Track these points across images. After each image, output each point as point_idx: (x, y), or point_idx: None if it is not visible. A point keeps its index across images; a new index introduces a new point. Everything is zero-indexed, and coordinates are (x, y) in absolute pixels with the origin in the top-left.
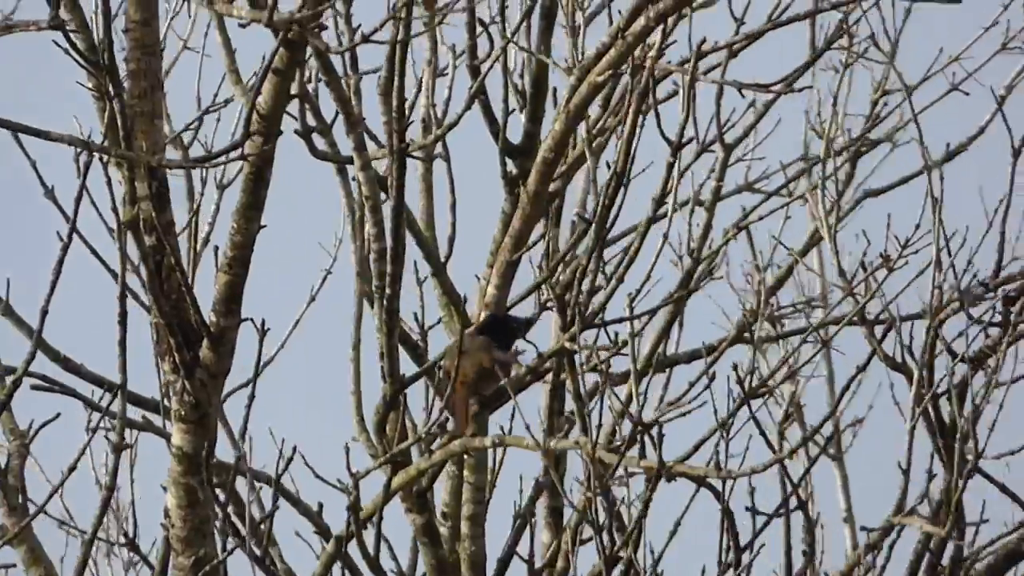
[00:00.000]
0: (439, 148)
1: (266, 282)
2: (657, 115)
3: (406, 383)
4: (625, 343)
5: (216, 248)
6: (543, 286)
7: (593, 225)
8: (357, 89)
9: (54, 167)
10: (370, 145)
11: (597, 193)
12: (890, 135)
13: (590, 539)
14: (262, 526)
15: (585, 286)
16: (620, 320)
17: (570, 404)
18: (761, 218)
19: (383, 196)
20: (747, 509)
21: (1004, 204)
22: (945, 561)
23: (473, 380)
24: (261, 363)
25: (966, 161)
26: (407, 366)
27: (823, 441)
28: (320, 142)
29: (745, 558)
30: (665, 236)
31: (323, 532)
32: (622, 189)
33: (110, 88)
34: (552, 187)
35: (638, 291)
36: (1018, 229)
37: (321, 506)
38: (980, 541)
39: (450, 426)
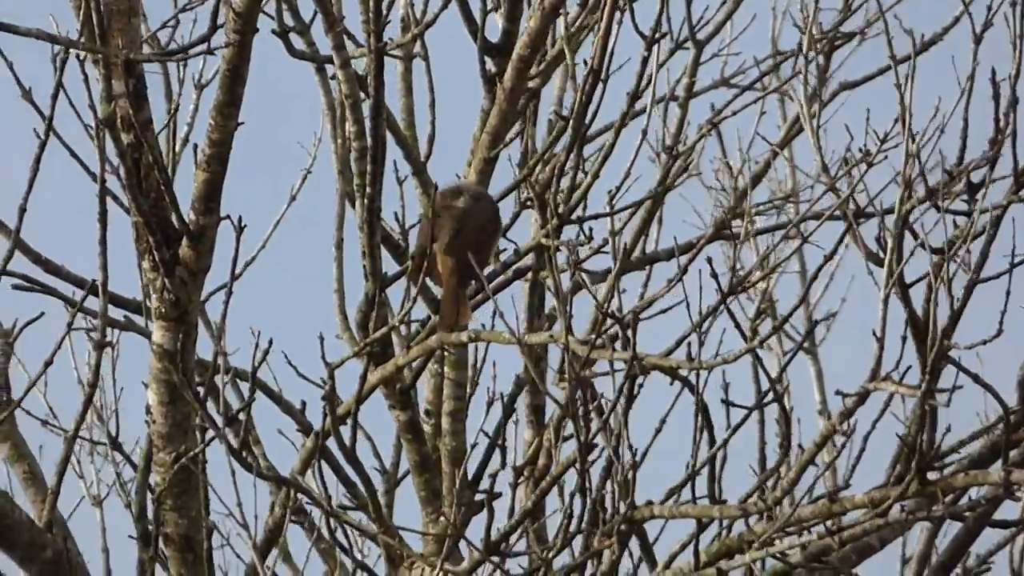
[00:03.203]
0: (418, 47)
1: (247, 183)
2: (632, 10)
3: (388, 281)
4: (605, 241)
5: (195, 145)
6: (522, 184)
7: (571, 122)
8: None
9: (28, 67)
10: (349, 45)
11: (575, 90)
12: (863, 28)
13: (571, 436)
14: (239, 418)
15: (564, 183)
16: (598, 216)
17: (551, 302)
18: (735, 113)
19: (362, 95)
20: (722, 401)
21: (967, 90)
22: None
23: (462, 267)
24: (242, 263)
25: (943, 52)
26: (389, 265)
27: (799, 336)
28: (299, 42)
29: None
30: (644, 132)
31: (305, 429)
32: (600, 85)
33: None
34: (530, 85)
35: (618, 188)
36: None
37: (304, 403)
38: (959, 438)
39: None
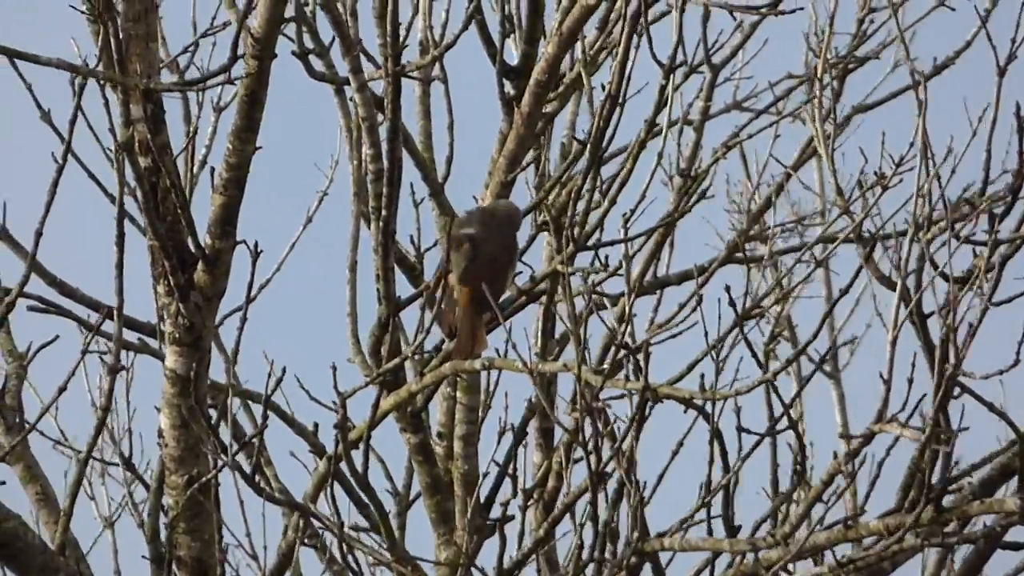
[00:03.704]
0: (436, 70)
1: (263, 205)
2: (649, 38)
3: (402, 305)
4: (620, 266)
5: (212, 169)
6: (538, 208)
7: (588, 146)
8: (353, 11)
9: (48, 90)
10: (367, 67)
11: (592, 115)
12: (877, 52)
13: (581, 459)
14: (252, 443)
15: (580, 208)
16: (614, 242)
17: (562, 327)
18: (750, 136)
19: (380, 118)
20: (737, 429)
21: (991, 120)
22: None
23: (478, 295)
24: (257, 286)
25: (953, 77)
26: (403, 288)
27: (817, 359)
28: (317, 64)
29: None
30: (659, 156)
31: (318, 451)
32: (617, 110)
33: (103, 10)
34: (547, 109)
35: (632, 211)
36: (1006, 143)
37: (316, 425)
38: (972, 461)
39: (448, 344)
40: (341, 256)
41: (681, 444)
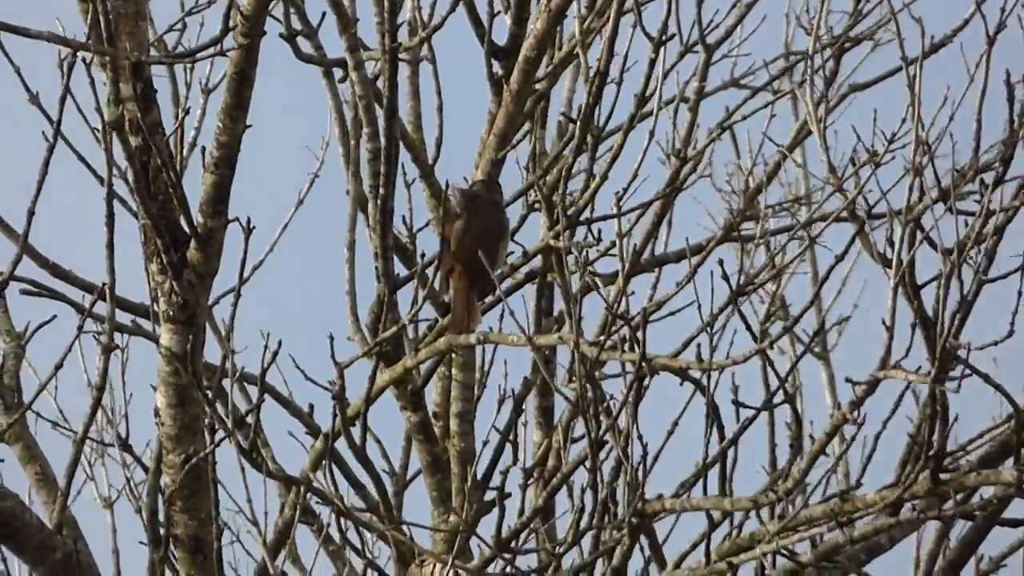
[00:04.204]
0: (425, 50)
1: (255, 186)
2: (639, 13)
3: (400, 283)
4: (613, 243)
5: (203, 148)
6: (532, 188)
7: (578, 124)
8: None
9: (35, 68)
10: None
11: (587, 92)
12: (873, 31)
13: (581, 437)
14: (248, 419)
15: (572, 185)
16: (606, 217)
17: (558, 307)
18: (745, 117)
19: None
20: (733, 402)
21: (980, 90)
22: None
23: (475, 270)
24: (250, 266)
25: (951, 56)
26: (397, 267)
27: (808, 339)
28: (306, 46)
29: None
30: (651, 133)
31: (314, 432)
32: (607, 87)
33: None
34: (537, 87)
35: (625, 189)
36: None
37: (312, 406)
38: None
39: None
40: (335, 236)
41: (676, 423)
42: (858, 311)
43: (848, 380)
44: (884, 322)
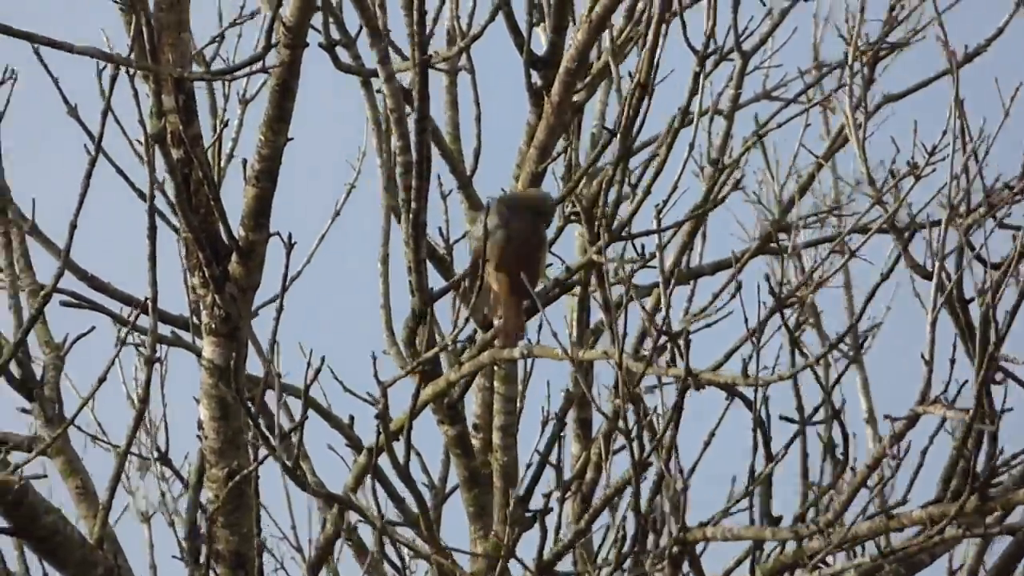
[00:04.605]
0: (463, 60)
1: (289, 197)
2: (683, 25)
3: (435, 296)
4: (652, 255)
5: (244, 161)
6: (568, 198)
7: (617, 136)
8: (382, 2)
9: (78, 79)
10: (394, 58)
11: (621, 103)
12: (908, 39)
13: (621, 449)
14: (292, 436)
15: (611, 197)
16: (648, 233)
17: (595, 316)
18: (779, 126)
19: (407, 109)
20: (781, 418)
21: None
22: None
23: (516, 281)
24: (288, 277)
25: (986, 61)
26: (434, 279)
27: (846, 347)
28: (344, 55)
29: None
30: (691, 145)
31: (354, 444)
32: (646, 99)
33: (136, 1)
34: (576, 98)
35: (665, 202)
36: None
37: (352, 418)
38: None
39: (482, 334)
40: (372, 248)
41: (713, 433)
42: (890, 312)
43: (887, 417)
44: (923, 356)
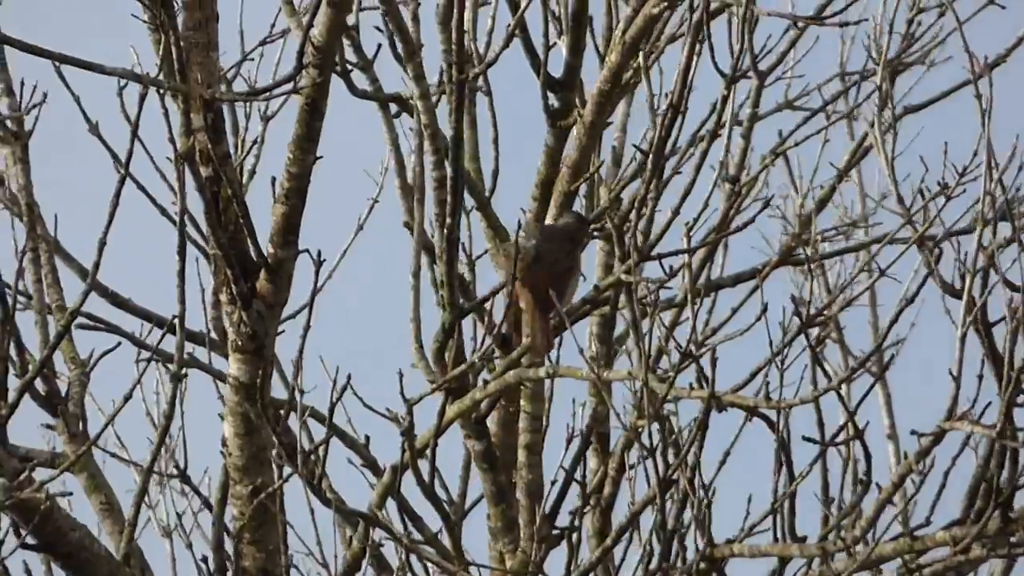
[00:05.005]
0: (481, 82)
1: (311, 213)
2: (712, 49)
3: (465, 311)
4: (676, 273)
5: (273, 179)
6: (601, 216)
7: (650, 156)
8: (415, 16)
9: (108, 98)
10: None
11: (653, 123)
12: (927, 52)
13: (639, 463)
14: (312, 456)
15: (643, 217)
16: (677, 252)
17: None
18: (797, 143)
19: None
20: (804, 439)
21: None
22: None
23: (544, 297)
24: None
25: (1008, 77)
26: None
27: (872, 367)
28: (361, 78)
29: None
30: (723, 164)
31: (371, 464)
32: (679, 120)
33: (165, 19)
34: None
35: (695, 221)
36: None
37: (368, 439)
38: None
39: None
40: (394, 262)
41: (728, 452)
42: (914, 329)
43: (913, 432)
44: (951, 372)
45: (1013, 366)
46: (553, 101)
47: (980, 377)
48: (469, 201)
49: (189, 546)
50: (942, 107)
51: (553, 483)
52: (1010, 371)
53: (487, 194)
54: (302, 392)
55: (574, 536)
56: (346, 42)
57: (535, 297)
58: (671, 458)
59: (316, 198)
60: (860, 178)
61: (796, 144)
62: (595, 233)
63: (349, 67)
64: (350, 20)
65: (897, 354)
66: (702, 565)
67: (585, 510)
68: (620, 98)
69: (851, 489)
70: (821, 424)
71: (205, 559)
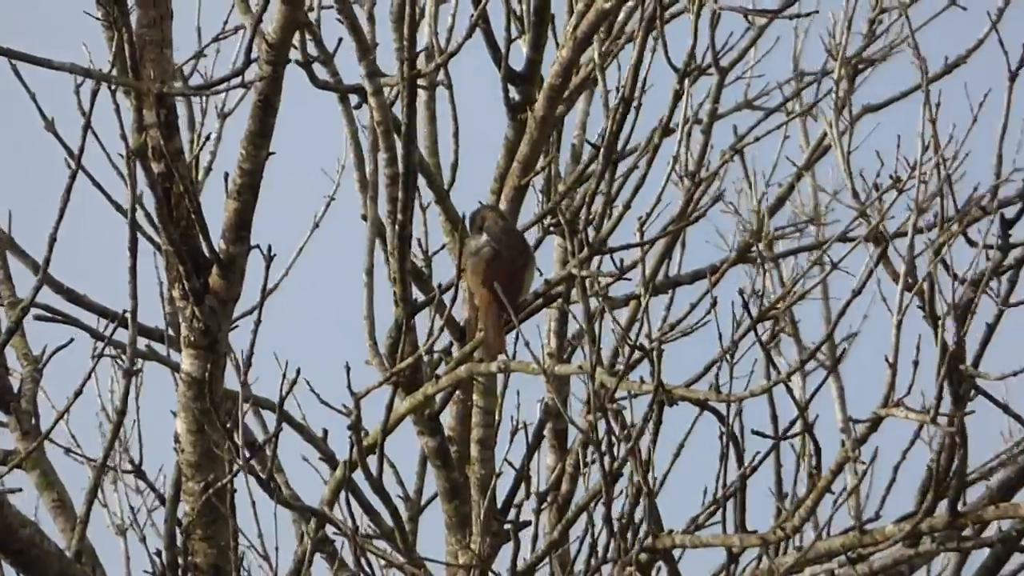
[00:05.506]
0: (441, 75)
1: (268, 210)
2: (665, 44)
3: (417, 308)
4: (629, 267)
5: (226, 175)
6: (552, 211)
7: (602, 149)
8: (371, 15)
9: (60, 94)
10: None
11: (606, 118)
12: (886, 53)
13: (595, 461)
14: (266, 448)
15: (594, 211)
16: (630, 246)
17: (572, 328)
18: (757, 139)
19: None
20: (754, 432)
21: (1002, 124)
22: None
23: (499, 296)
24: (266, 290)
25: (965, 77)
26: (413, 292)
27: (825, 359)
28: (322, 71)
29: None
30: (675, 158)
31: (328, 458)
32: (631, 114)
33: (118, 16)
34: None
35: (648, 215)
36: (1016, 145)
37: (326, 432)
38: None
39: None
40: (350, 260)
41: (682, 445)
42: (866, 321)
43: (850, 419)
44: (887, 358)
45: (946, 350)
46: (514, 95)
47: (916, 363)
48: (428, 194)
49: (143, 540)
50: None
51: (498, 476)
52: (944, 355)
53: (446, 187)
54: (245, 384)
55: (523, 531)
56: (308, 36)
57: (490, 295)
58: (620, 452)
59: (272, 195)
60: (813, 176)
61: (756, 140)
62: (551, 229)
63: (310, 59)
64: (312, 15)
65: (850, 347)
66: (643, 556)
67: (542, 508)
68: (578, 94)
69: (805, 483)
70: (775, 418)
71: (159, 553)
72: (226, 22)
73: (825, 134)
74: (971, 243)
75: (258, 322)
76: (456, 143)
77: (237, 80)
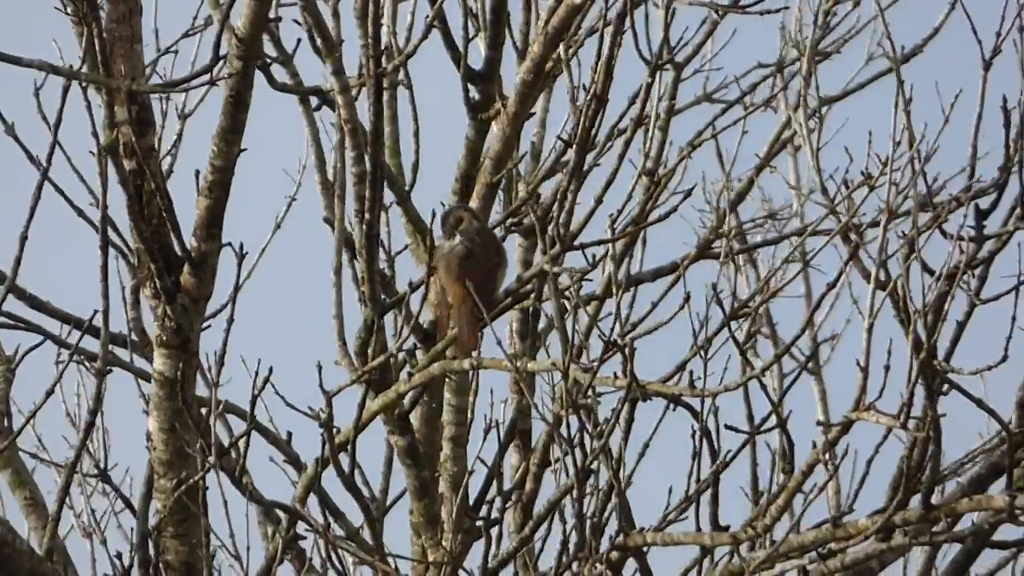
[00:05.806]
0: (401, 75)
1: (234, 208)
2: (635, 38)
3: (387, 307)
4: (597, 264)
5: (197, 172)
6: (521, 208)
7: (573, 146)
8: (335, 12)
9: (16, 93)
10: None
11: (576, 114)
12: (842, 43)
13: (557, 460)
14: (236, 447)
15: (564, 208)
16: (601, 242)
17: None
18: (714, 135)
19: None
20: (727, 427)
21: (976, 114)
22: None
23: (471, 296)
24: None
25: (929, 66)
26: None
27: (803, 358)
28: (281, 73)
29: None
30: (646, 155)
31: (293, 461)
32: (601, 111)
33: (88, 11)
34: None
35: (619, 212)
36: (984, 134)
37: (290, 435)
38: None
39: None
40: (315, 259)
41: (649, 440)
42: (850, 323)
43: (819, 423)
44: (858, 362)
45: (921, 347)
46: (474, 94)
47: (887, 368)
48: (389, 196)
49: (104, 542)
50: (867, 95)
51: (470, 473)
52: (928, 363)
53: (407, 188)
54: (216, 385)
55: (493, 529)
56: (265, 37)
57: (463, 293)
58: (591, 448)
59: (236, 195)
60: (771, 170)
61: (713, 136)
62: (513, 228)
63: (269, 61)
64: (271, 13)
65: (833, 348)
66: (615, 554)
67: (506, 506)
68: (540, 91)
69: (779, 481)
70: (751, 416)
71: (119, 555)
72: (195, 18)
73: (784, 127)
74: (945, 235)
75: (231, 320)
76: (417, 143)
77: (206, 77)
